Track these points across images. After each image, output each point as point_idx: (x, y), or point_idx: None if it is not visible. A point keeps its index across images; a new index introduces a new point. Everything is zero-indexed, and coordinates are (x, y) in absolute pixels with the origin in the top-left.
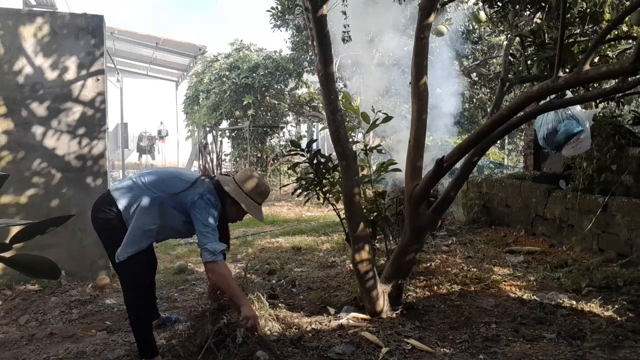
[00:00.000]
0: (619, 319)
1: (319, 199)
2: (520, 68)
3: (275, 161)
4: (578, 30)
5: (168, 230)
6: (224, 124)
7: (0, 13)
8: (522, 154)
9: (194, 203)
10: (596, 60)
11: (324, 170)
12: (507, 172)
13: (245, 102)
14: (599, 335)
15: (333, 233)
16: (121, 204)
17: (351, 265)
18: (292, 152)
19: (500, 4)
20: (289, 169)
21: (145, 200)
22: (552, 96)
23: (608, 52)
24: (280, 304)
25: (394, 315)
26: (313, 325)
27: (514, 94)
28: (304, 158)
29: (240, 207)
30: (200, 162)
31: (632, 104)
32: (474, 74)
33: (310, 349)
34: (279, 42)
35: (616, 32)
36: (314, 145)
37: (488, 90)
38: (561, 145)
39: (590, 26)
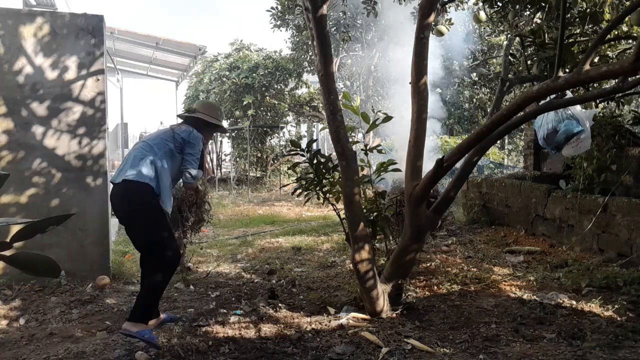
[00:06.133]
0: (619, 319)
1: (319, 199)
2: (520, 68)
3: (275, 161)
4: (578, 30)
5: (174, 178)
6: (224, 124)
7: (0, 13)
8: (522, 154)
9: (189, 138)
10: (596, 60)
11: (324, 170)
12: (507, 172)
13: (245, 102)
14: (599, 335)
15: (333, 233)
16: (149, 178)
17: (351, 265)
18: (292, 152)
19: (500, 4)
20: (289, 169)
21: (160, 161)
22: (552, 96)
23: (608, 52)
24: (280, 304)
25: (394, 315)
26: (313, 325)
27: (514, 94)
28: (304, 158)
29: (212, 129)
30: None
31: (632, 104)
32: (474, 74)
33: (310, 349)
34: (279, 42)
35: (616, 32)
36: (314, 145)
37: (488, 90)
38: (561, 145)
39: (590, 26)
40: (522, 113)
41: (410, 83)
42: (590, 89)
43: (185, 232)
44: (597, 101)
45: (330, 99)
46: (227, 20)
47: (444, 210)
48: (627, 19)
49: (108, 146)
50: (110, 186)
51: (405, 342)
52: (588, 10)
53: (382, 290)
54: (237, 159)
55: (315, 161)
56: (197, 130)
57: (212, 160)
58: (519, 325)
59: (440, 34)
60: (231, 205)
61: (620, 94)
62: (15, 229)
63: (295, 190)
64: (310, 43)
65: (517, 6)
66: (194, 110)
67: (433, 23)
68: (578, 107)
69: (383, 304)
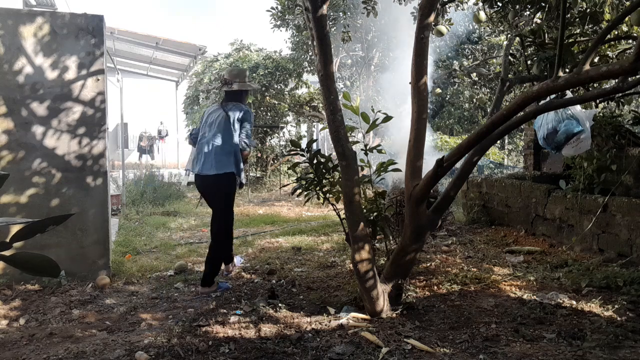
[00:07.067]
0: (619, 319)
1: (319, 199)
2: (520, 68)
3: (275, 161)
4: (578, 30)
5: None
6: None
7: (0, 13)
8: (522, 154)
9: (244, 116)
10: (596, 60)
11: (324, 170)
12: (507, 172)
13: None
14: (599, 335)
15: (333, 233)
16: (232, 167)
17: (351, 265)
18: (292, 152)
19: (500, 4)
20: (289, 169)
21: (234, 148)
22: (552, 96)
23: (608, 52)
24: (280, 304)
25: (394, 315)
26: (313, 325)
27: (514, 94)
28: (304, 158)
29: (247, 93)
30: None
31: (632, 104)
32: (474, 74)
33: (310, 349)
34: (279, 42)
35: (616, 32)
36: (314, 145)
37: (488, 90)
38: (561, 145)
39: (590, 26)
40: (522, 113)
41: (410, 83)
42: (590, 89)
43: None
44: (597, 101)
45: (330, 99)
46: (227, 20)
47: (444, 210)
48: (627, 19)
49: (108, 146)
50: (186, 178)
51: (405, 342)
52: (588, 10)
53: (382, 290)
54: None
55: (315, 161)
56: (240, 101)
57: None
58: (519, 325)
59: (440, 34)
60: None
61: (620, 94)
62: (15, 229)
63: (295, 190)
64: (310, 43)
65: (517, 6)
66: (230, 82)
67: (433, 23)
68: (578, 107)
69: (383, 304)
